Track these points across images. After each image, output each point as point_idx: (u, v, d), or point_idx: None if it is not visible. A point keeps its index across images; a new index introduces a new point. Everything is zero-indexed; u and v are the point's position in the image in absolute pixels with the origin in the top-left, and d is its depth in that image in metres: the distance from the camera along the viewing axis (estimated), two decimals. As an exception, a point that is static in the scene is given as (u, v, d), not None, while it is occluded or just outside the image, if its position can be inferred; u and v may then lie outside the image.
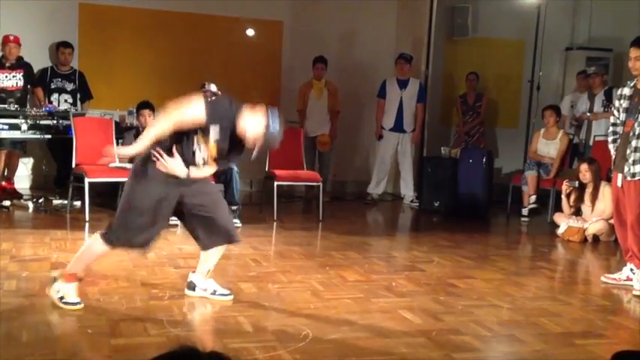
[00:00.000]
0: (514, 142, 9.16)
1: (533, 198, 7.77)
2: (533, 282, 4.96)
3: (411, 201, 8.40)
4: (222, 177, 6.61)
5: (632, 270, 4.83)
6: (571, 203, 6.84)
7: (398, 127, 8.38)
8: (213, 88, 6.64)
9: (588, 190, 6.70)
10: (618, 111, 4.88)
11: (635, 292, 4.63)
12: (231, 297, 4.08)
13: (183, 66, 8.35)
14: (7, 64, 7.27)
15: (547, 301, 4.48)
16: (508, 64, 9.56)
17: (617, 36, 9.00)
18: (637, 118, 4.67)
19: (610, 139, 5.01)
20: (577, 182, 6.76)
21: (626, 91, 4.83)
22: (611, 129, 5.01)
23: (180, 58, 8.40)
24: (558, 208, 7.09)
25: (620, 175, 4.81)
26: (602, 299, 4.61)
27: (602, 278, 5.00)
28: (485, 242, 6.65)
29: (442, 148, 8.29)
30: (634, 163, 4.67)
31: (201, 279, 4.08)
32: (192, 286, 4.10)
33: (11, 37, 7.21)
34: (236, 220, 6.43)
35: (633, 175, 4.68)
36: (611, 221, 6.57)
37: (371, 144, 8.80)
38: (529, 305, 4.36)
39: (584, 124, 8.31)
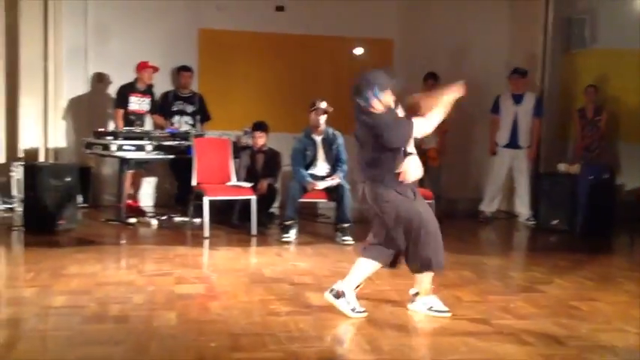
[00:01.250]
0: (638, 156, 8.69)
1: (660, 215, 7.34)
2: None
3: (527, 219, 8.15)
4: (333, 194, 6.70)
5: None
6: None
7: (513, 143, 8.17)
8: (323, 105, 6.76)
9: None
10: None
11: None
12: (449, 314, 4.24)
13: (296, 86, 8.55)
14: (141, 89, 7.72)
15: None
16: (630, 75, 9.10)
17: None
18: None
19: None
20: None
21: None
22: None
23: (293, 78, 8.62)
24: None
25: None
26: None
27: None
28: (609, 263, 6.33)
29: (560, 164, 8.00)
30: None
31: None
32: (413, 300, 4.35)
33: (149, 64, 7.66)
34: (347, 238, 6.50)
35: None
36: None
37: (484, 160, 8.62)
38: (659, 330, 4.12)
39: None
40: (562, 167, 7.90)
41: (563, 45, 8.91)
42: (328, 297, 4.21)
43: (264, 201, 7.08)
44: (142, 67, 7.66)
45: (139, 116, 7.74)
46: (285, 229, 6.58)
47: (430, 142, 8.16)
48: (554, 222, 7.64)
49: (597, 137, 8.51)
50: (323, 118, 6.76)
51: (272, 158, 7.41)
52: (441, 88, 7.50)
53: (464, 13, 8.82)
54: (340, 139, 6.89)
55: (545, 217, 7.75)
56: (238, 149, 7.45)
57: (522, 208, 8.26)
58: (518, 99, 8.16)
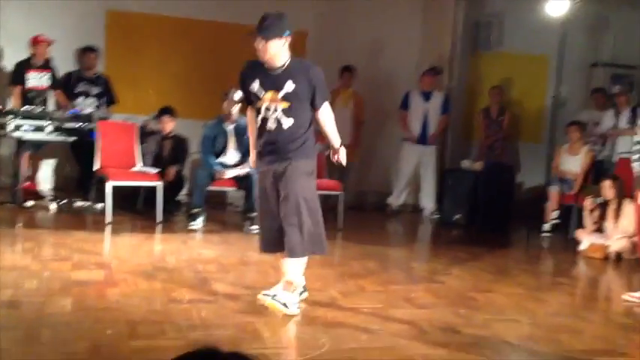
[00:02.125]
0: (536, 157, 9.08)
1: (555, 213, 7.70)
2: (554, 298, 4.91)
3: (432, 213, 8.36)
4: (242, 183, 6.64)
5: None
6: (594, 220, 6.76)
7: (421, 139, 8.35)
8: (237, 96, 6.68)
9: (611, 207, 6.62)
10: None
11: None
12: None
13: (207, 73, 8.40)
14: (38, 64, 7.38)
15: (568, 318, 4.43)
16: (532, 79, 9.50)
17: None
18: None
19: (635, 157, 4.95)
20: (600, 199, 6.69)
21: None
22: (637, 147, 4.96)
23: (204, 65, 8.46)
24: (581, 224, 7.01)
25: None
26: (624, 317, 4.55)
27: (624, 296, 4.93)
28: (506, 256, 6.59)
29: (464, 161, 8.25)
30: None
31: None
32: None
33: (43, 38, 7.32)
34: (255, 227, 6.45)
35: None
36: (634, 239, 6.50)
37: (392, 155, 8.77)
38: (549, 321, 4.32)
39: (609, 141, 8.25)
40: (466, 164, 8.15)
41: (471, 46, 9.18)
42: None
43: (171, 188, 6.93)
44: (35, 41, 7.32)
45: (40, 92, 7.37)
46: (192, 217, 6.47)
47: (344, 137, 8.21)
48: (457, 216, 7.88)
49: (500, 137, 8.83)
50: (236, 107, 6.68)
51: (179, 144, 7.27)
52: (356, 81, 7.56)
53: (378, 9, 8.91)
54: (251, 129, 6.83)
55: (448, 212, 7.98)
56: (146, 134, 7.26)
57: (427, 202, 8.47)
58: (427, 96, 8.35)
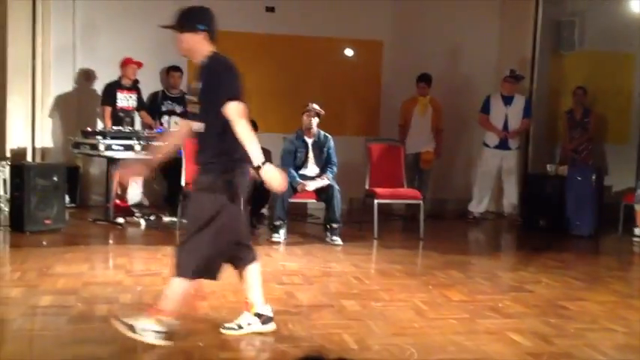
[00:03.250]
0: (625, 158, 8.75)
1: (650, 216, 7.38)
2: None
3: (515, 219, 8.18)
4: (323, 195, 6.70)
5: None
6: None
7: (503, 144, 8.20)
8: (316, 107, 6.79)
9: None
10: None
11: None
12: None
13: (286, 87, 8.55)
14: (127, 85, 7.70)
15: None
16: (617, 78, 9.17)
17: None
18: None
19: None
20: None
21: None
22: None
23: (284, 79, 8.61)
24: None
25: None
26: None
27: None
28: (597, 263, 6.36)
29: (548, 165, 8.03)
30: None
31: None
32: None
33: (132, 60, 7.64)
34: (336, 238, 6.50)
35: None
36: None
37: (473, 161, 8.65)
38: (646, 330, 4.14)
39: None
40: (550, 168, 7.93)
41: (553, 47, 8.96)
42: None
43: (255, 201, 7.05)
44: (125, 62, 7.66)
45: (128, 113, 7.70)
46: (275, 230, 6.57)
47: (426, 144, 8.18)
48: (542, 222, 7.67)
49: (585, 139, 8.55)
50: (315, 121, 6.77)
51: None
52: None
53: (454, 14, 8.84)
54: (331, 142, 6.91)
55: (533, 218, 7.78)
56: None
57: (510, 208, 8.30)
58: (508, 100, 8.19)
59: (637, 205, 7.39)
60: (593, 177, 7.56)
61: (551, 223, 7.61)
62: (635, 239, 7.29)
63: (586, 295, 4.89)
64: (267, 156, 7.43)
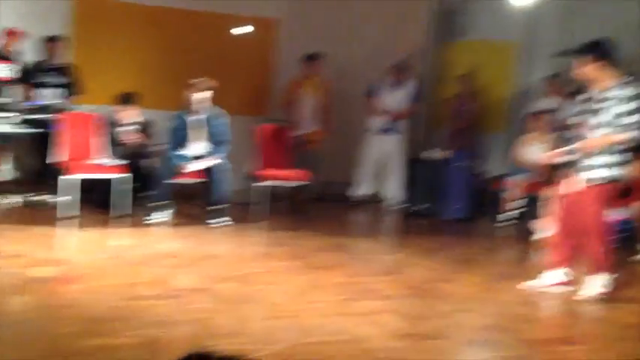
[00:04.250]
0: (502, 146, 9.15)
1: (517, 203, 7.76)
2: (514, 287, 4.91)
3: (398, 203, 8.38)
4: (210, 174, 6.59)
5: (559, 275, 4.80)
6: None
7: (387, 128, 8.34)
8: (205, 83, 6.63)
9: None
10: (576, 115, 4.84)
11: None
12: None
13: (178, 62, 8.30)
14: (5, 56, 7.23)
15: (527, 307, 4.48)
16: (500, 68, 9.53)
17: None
18: (592, 119, 4.60)
19: (567, 147, 4.90)
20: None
21: (583, 95, 4.80)
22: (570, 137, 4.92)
23: (175, 54, 8.36)
24: (541, 213, 7.06)
25: (572, 180, 4.72)
26: (580, 306, 4.60)
27: (526, 284, 4.87)
28: (470, 246, 6.62)
29: (430, 150, 8.27)
30: (591, 167, 4.62)
31: None
32: None
33: (15, 31, 7.18)
34: (222, 220, 6.42)
35: (585, 180, 4.63)
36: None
37: (359, 144, 8.76)
38: (510, 310, 4.36)
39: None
40: (434, 153, 8.16)
41: (444, 35, 9.18)
42: None
43: (138, 181, 6.85)
44: (6, 33, 7.18)
45: (4, 84, 7.22)
46: (156, 210, 6.40)
47: (313, 125, 8.16)
48: (424, 206, 7.91)
49: (468, 125, 8.86)
50: (205, 96, 6.61)
51: (145, 131, 7.16)
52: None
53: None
54: (223, 119, 6.77)
55: (415, 202, 8.00)
56: (110, 125, 7.14)
57: (394, 192, 8.48)
58: (397, 85, 8.33)
59: (509, 191, 7.75)
60: (472, 163, 7.86)
61: (431, 207, 7.86)
62: (507, 223, 7.65)
63: (458, 276, 5.09)
64: (149, 130, 7.21)
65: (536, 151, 7.81)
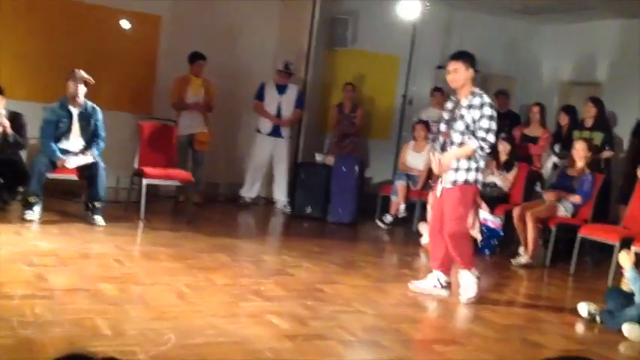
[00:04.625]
0: (385, 153, 9.42)
1: (402, 207, 8.02)
2: (397, 289, 5.08)
3: (284, 206, 8.40)
4: (86, 172, 6.30)
5: (438, 279, 4.98)
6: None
7: (275, 131, 8.34)
8: (83, 74, 6.34)
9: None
10: (442, 123, 5.05)
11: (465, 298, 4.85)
12: None
13: (54, 53, 7.90)
14: None
15: (409, 308, 4.61)
16: (384, 78, 9.83)
17: (485, 58, 9.49)
18: (454, 127, 4.84)
19: (434, 151, 5.08)
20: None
21: (449, 104, 5.04)
22: (436, 142, 5.13)
23: (52, 45, 7.94)
24: (424, 218, 7.33)
25: (440, 186, 4.93)
26: (460, 307, 4.81)
27: (410, 285, 5.05)
28: (354, 249, 6.76)
29: (317, 154, 8.36)
30: (452, 171, 4.82)
31: None
32: None
33: None
34: (98, 218, 6.16)
35: (453, 182, 4.83)
36: (472, 233, 6.91)
37: (246, 146, 8.71)
38: (392, 312, 4.47)
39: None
40: (318, 158, 8.27)
41: (327, 42, 9.33)
42: None
43: (10, 177, 6.43)
44: None
45: None
46: (28, 206, 6.03)
47: (200, 125, 8.01)
48: (308, 209, 7.98)
49: (352, 132, 9.05)
50: (82, 89, 6.32)
51: (15, 122, 6.72)
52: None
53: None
54: (99, 115, 6.50)
55: (300, 205, 8.06)
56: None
57: (280, 194, 8.50)
58: (282, 89, 8.35)
59: (393, 197, 7.99)
60: (357, 168, 8.02)
61: (316, 211, 7.95)
62: (383, 226, 7.87)
63: (342, 278, 5.16)
64: (21, 119, 6.74)
65: (418, 157, 8.12)
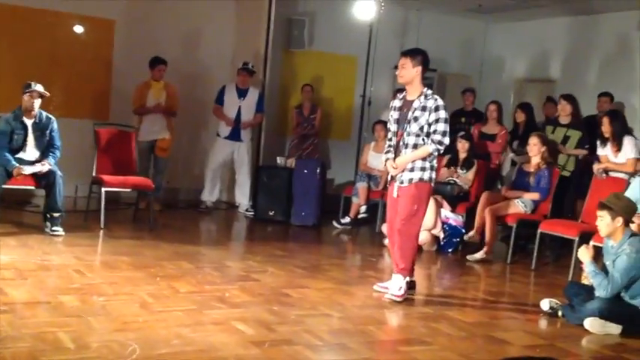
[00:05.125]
0: (346, 154, 9.45)
1: (363, 208, 8.05)
2: (362, 291, 5.10)
3: (246, 210, 8.36)
4: (43, 181, 6.18)
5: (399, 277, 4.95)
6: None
7: (235, 135, 8.29)
8: (39, 88, 6.22)
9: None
10: (391, 123, 5.01)
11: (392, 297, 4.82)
12: None
13: (6, 61, 7.72)
14: None
15: (374, 310, 4.63)
16: (342, 79, 9.86)
17: (442, 57, 9.60)
18: (405, 128, 4.83)
19: (385, 152, 5.05)
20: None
21: (397, 102, 5.04)
22: (387, 143, 5.08)
23: (3, 52, 7.76)
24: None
25: (395, 185, 4.92)
26: (424, 307, 4.84)
27: (375, 287, 5.08)
28: (318, 252, 6.75)
29: (278, 157, 8.34)
30: (403, 170, 4.83)
31: None
32: None
33: None
34: (57, 228, 6.04)
35: (409, 180, 4.82)
36: (434, 231, 6.98)
37: (206, 150, 8.64)
38: (358, 313, 4.49)
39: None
40: (280, 161, 8.25)
41: (284, 44, 9.31)
42: None
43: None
44: None
45: None
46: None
47: (161, 131, 7.92)
48: (271, 213, 7.95)
49: (312, 133, 9.05)
50: (38, 102, 6.22)
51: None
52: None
53: (190, 2, 8.73)
54: (55, 124, 6.39)
55: (263, 208, 8.02)
56: None
57: (242, 198, 8.46)
58: (242, 93, 8.30)
59: (355, 198, 8.02)
60: (318, 170, 8.02)
61: (279, 214, 7.93)
62: (341, 226, 7.88)
63: (307, 282, 5.15)
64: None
65: (379, 158, 8.15)
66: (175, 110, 8.02)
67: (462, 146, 7.56)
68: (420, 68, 4.86)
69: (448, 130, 4.83)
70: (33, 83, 6.21)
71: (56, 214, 6.11)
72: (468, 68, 10.51)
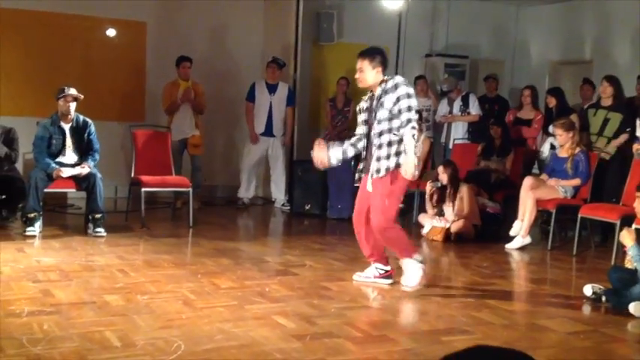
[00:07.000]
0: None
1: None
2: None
3: (283, 204, 8.41)
4: (83, 184, 6.30)
5: (377, 268, 4.92)
6: (433, 204, 7.11)
7: (268, 131, 8.35)
8: (73, 92, 6.34)
9: (448, 191, 6.98)
10: (359, 125, 4.86)
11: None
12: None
13: (42, 68, 7.89)
14: None
15: (414, 300, 4.63)
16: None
17: (473, 43, 9.52)
18: (375, 117, 4.63)
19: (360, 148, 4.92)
20: (439, 183, 7.03)
21: (363, 104, 4.83)
22: (354, 139, 4.94)
23: (39, 59, 7.94)
24: (423, 208, 7.35)
25: (369, 177, 4.79)
26: (465, 296, 4.82)
27: (354, 277, 5.01)
28: (355, 244, 6.64)
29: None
30: (378, 160, 4.66)
31: None
32: None
33: None
34: (99, 229, 6.16)
35: (377, 171, 4.67)
36: (472, 221, 6.93)
37: (241, 147, 8.71)
38: (397, 304, 4.49)
39: (444, 127, 8.77)
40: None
41: (313, 37, 9.32)
42: None
43: (10, 194, 6.44)
44: None
45: None
46: (29, 222, 6.03)
47: (191, 129, 8.00)
48: (307, 207, 7.99)
49: (346, 127, 9.05)
50: (73, 106, 6.33)
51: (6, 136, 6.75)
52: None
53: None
54: (92, 127, 6.50)
55: (299, 203, 8.06)
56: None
57: (278, 193, 8.51)
58: (272, 88, 8.35)
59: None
60: (352, 163, 8.00)
61: (315, 207, 7.96)
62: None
63: (346, 275, 5.17)
64: (13, 134, 6.73)
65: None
66: (202, 108, 8.09)
67: (495, 131, 7.49)
68: (380, 69, 4.67)
69: (414, 104, 4.57)
70: (66, 87, 6.33)
71: (98, 216, 6.23)
72: (500, 54, 10.39)
